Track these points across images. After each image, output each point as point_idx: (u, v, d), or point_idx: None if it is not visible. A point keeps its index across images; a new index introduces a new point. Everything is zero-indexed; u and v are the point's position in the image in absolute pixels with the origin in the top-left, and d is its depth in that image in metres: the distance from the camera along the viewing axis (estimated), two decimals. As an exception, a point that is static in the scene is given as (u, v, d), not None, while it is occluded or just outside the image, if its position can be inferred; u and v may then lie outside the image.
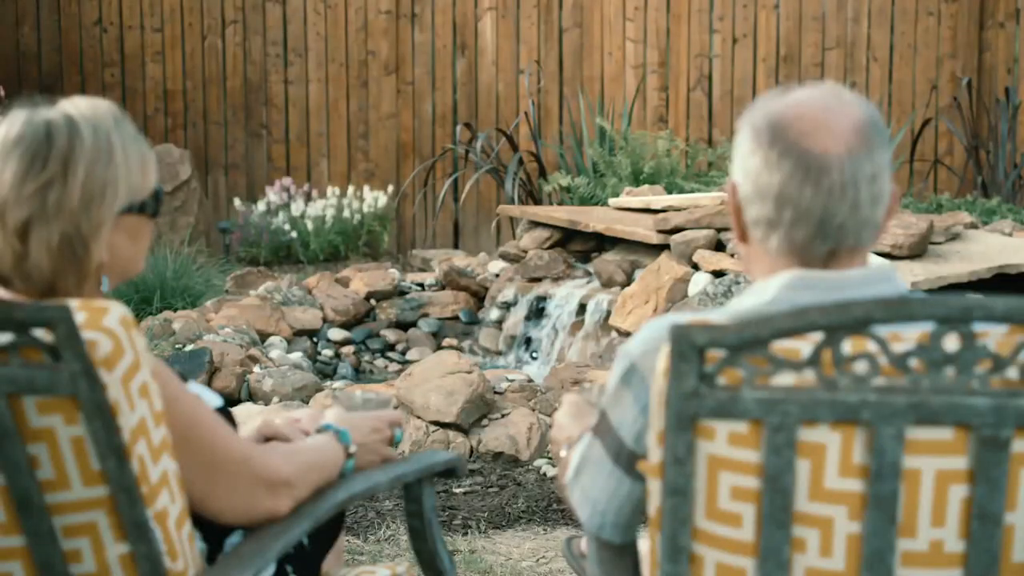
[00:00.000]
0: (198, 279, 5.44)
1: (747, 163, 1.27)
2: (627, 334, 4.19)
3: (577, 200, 6.34)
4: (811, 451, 1.12)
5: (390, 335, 4.98)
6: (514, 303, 4.90)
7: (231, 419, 1.55)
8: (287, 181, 7.14)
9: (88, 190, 1.35)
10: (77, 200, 1.34)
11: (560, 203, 6.63)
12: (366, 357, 4.86)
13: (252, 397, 3.93)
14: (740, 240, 1.32)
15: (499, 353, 4.86)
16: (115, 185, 1.37)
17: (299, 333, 4.77)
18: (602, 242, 4.99)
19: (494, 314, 5.00)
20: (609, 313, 4.39)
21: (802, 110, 1.24)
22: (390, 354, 4.90)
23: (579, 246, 5.07)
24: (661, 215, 4.54)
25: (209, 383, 3.87)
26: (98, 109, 1.39)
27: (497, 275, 5.28)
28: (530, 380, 4.05)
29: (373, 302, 5.18)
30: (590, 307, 4.51)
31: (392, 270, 5.53)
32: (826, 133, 1.22)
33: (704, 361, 1.13)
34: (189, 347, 4.14)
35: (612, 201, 5.52)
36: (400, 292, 5.27)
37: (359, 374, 4.73)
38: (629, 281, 4.54)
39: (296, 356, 4.47)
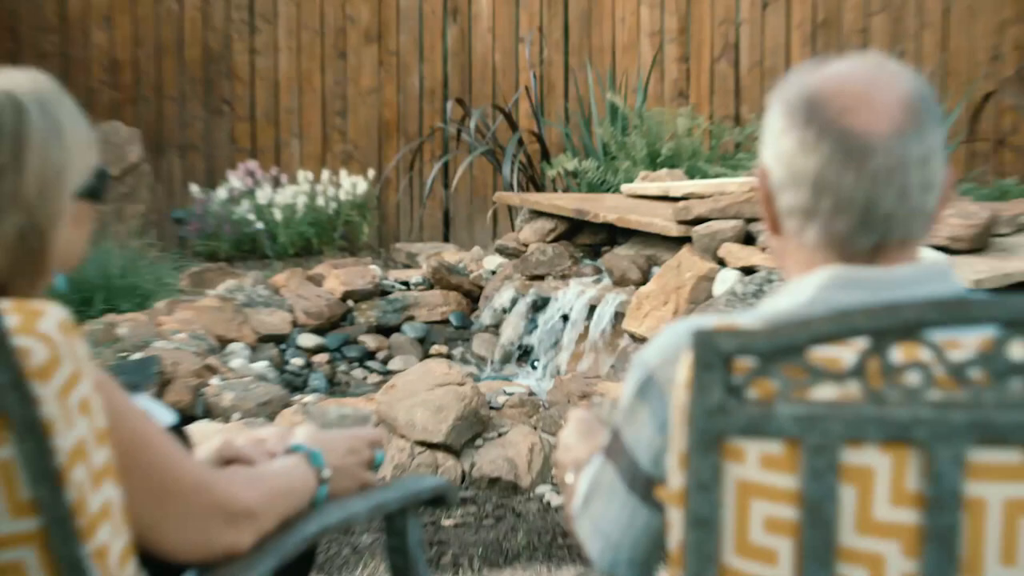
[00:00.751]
0: (148, 277, 5.44)
1: (779, 144, 1.27)
2: (643, 340, 4.19)
3: (585, 186, 6.35)
4: (857, 476, 1.11)
5: (370, 341, 4.98)
6: (513, 305, 4.90)
7: (185, 439, 1.55)
8: (252, 164, 7.14)
9: (44, 176, 1.35)
10: (33, 188, 1.35)
11: (565, 190, 6.63)
12: (342, 367, 4.86)
13: (209, 413, 3.92)
14: (772, 232, 1.32)
15: (495, 362, 4.85)
16: (69, 169, 1.38)
17: (265, 339, 4.77)
18: (614, 234, 4.99)
19: (490, 317, 5.00)
20: (622, 316, 4.39)
21: (842, 84, 1.24)
22: (370, 363, 4.91)
23: (587, 239, 5.08)
24: (682, 203, 4.54)
25: (159, 397, 3.87)
26: (37, 83, 1.40)
27: (493, 272, 5.28)
28: (531, 393, 4.05)
29: (350, 303, 5.18)
30: (600, 309, 4.51)
31: (373, 267, 5.54)
32: (869, 110, 1.22)
33: (731, 371, 1.13)
34: (136, 355, 4.14)
35: (625, 187, 5.52)
36: (382, 292, 5.28)
37: (334, 386, 4.72)
38: (645, 279, 4.54)
39: (261, 365, 4.48)
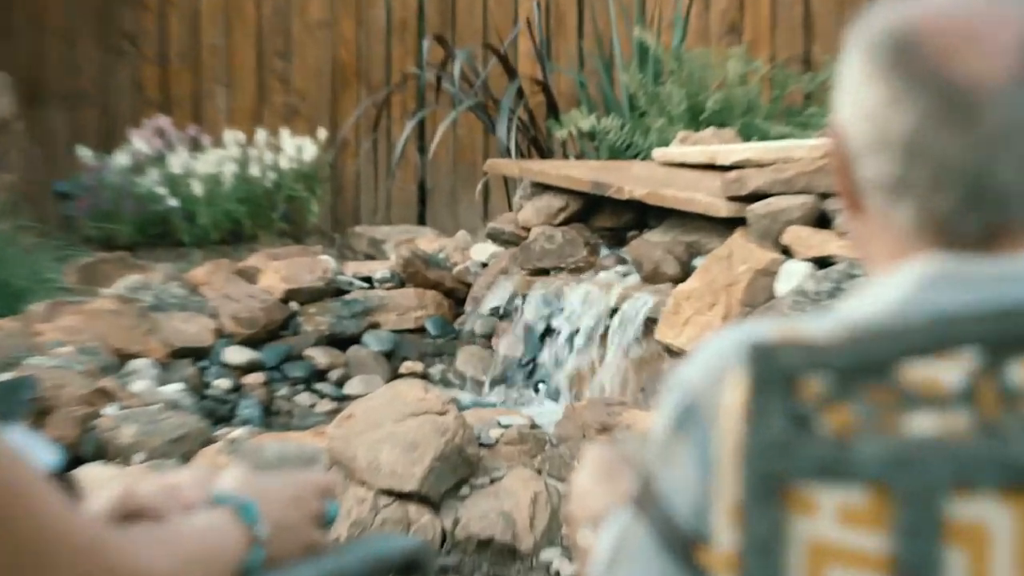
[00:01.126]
0: (20, 270, 5.44)
1: (860, 97, 1.27)
2: (682, 354, 4.19)
3: (605, 152, 6.35)
4: (967, 534, 1.11)
5: (320, 356, 4.98)
6: (510, 307, 4.90)
7: (72, 487, 1.55)
8: (163, 121, 7.14)
9: None
10: None
11: (579, 156, 6.63)
12: (282, 390, 4.86)
13: (103, 453, 3.92)
14: (850, 211, 1.33)
15: (487, 384, 4.85)
16: None
17: (179, 353, 4.77)
18: (643, 215, 5.00)
19: (480, 324, 4.99)
20: (655, 322, 4.39)
21: (943, 18, 1.25)
22: (319, 385, 4.91)
23: (608, 221, 5.08)
24: (734, 174, 4.55)
25: (36, 430, 3.87)
26: None
27: (484, 265, 5.28)
28: (534, 426, 4.05)
29: (294, 306, 5.18)
30: (625, 313, 4.51)
31: (324, 257, 5.54)
32: (979, 53, 1.22)
33: (798, 395, 1.13)
34: (4, 375, 4.13)
35: (658, 153, 5.52)
36: (336, 291, 5.27)
37: (272, 416, 4.73)
38: (685, 275, 4.54)
39: (173, 389, 4.47)
